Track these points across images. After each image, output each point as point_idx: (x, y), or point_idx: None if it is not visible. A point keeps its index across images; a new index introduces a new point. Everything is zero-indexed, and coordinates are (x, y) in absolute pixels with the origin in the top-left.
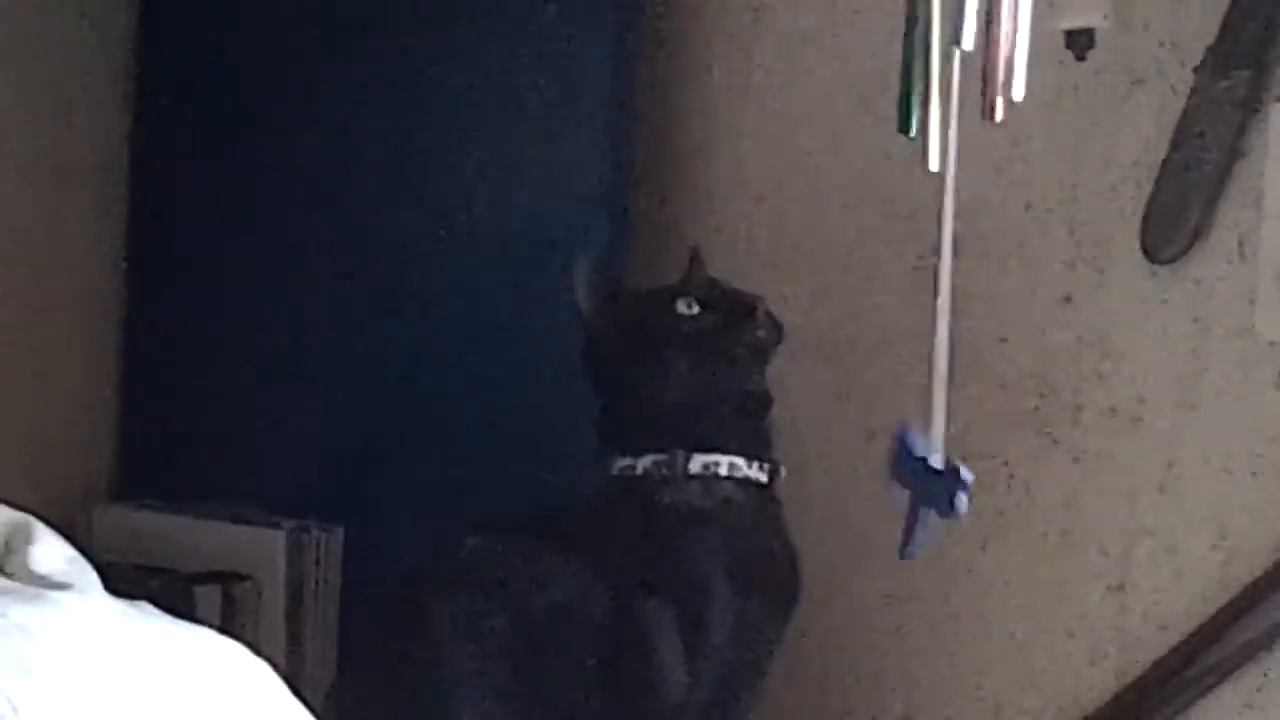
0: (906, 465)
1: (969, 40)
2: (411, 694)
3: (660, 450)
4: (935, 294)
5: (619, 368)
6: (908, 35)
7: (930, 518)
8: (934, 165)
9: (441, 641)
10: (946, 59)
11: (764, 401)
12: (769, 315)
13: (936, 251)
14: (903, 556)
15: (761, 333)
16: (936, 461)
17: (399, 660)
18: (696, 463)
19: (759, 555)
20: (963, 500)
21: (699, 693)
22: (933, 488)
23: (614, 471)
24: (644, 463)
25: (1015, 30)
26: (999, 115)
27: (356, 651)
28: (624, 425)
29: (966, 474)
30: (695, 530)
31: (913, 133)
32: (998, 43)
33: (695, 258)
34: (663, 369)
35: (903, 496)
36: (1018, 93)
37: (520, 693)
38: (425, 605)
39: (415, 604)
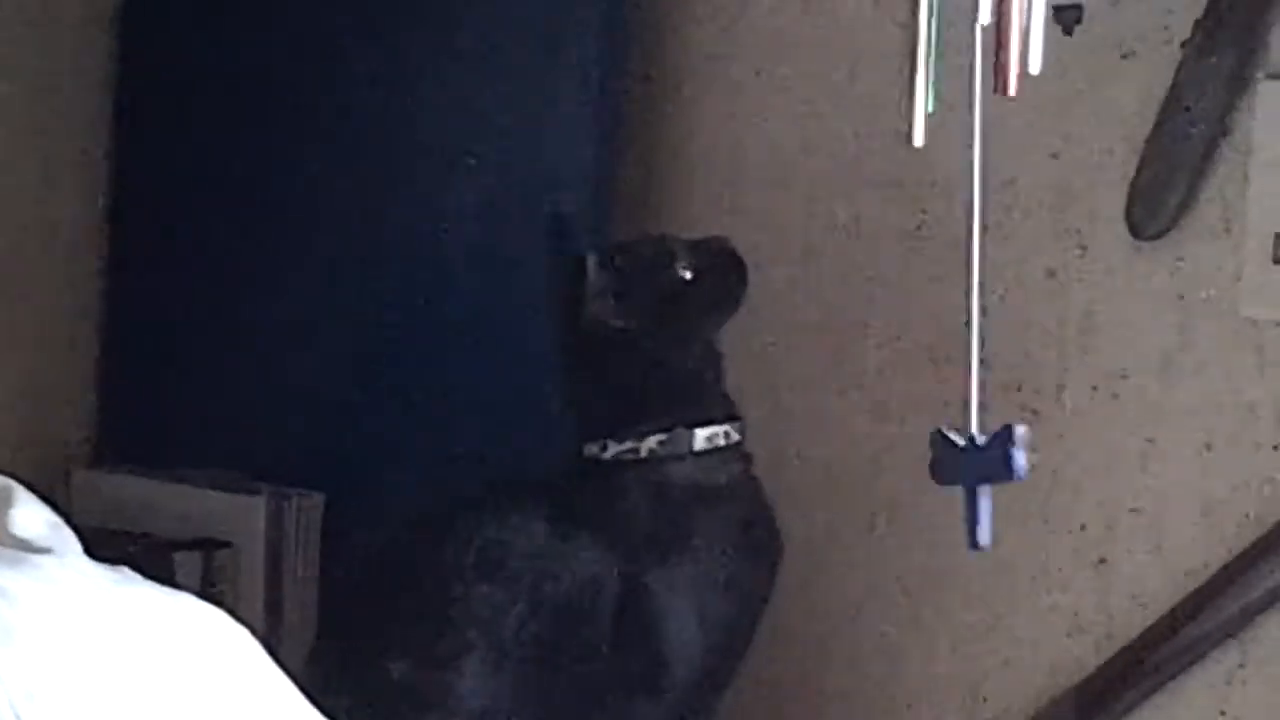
0: (950, 461)
1: (985, 14)
2: (420, 679)
3: (663, 430)
4: (968, 277)
5: (626, 348)
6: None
7: (988, 500)
8: (918, 141)
9: (460, 633)
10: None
11: (721, 361)
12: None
13: (966, 231)
14: (974, 547)
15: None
16: (979, 437)
17: (410, 646)
18: (700, 438)
19: (753, 520)
20: (1020, 458)
21: (700, 661)
22: (982, 462)
23: (608, 455)
24: (648, 444)
25: (1030, 4)
26: (1013, 89)
27: (356, 623)
28: (619, 408)
29: (1019, 430)
30: (705, 506)
31: (930, 108)
32: (1009, 16)
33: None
34: (676, 341)
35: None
36: (1034, 66)
37: (530, 680)
38: (443, 596)
39: (432, 593)
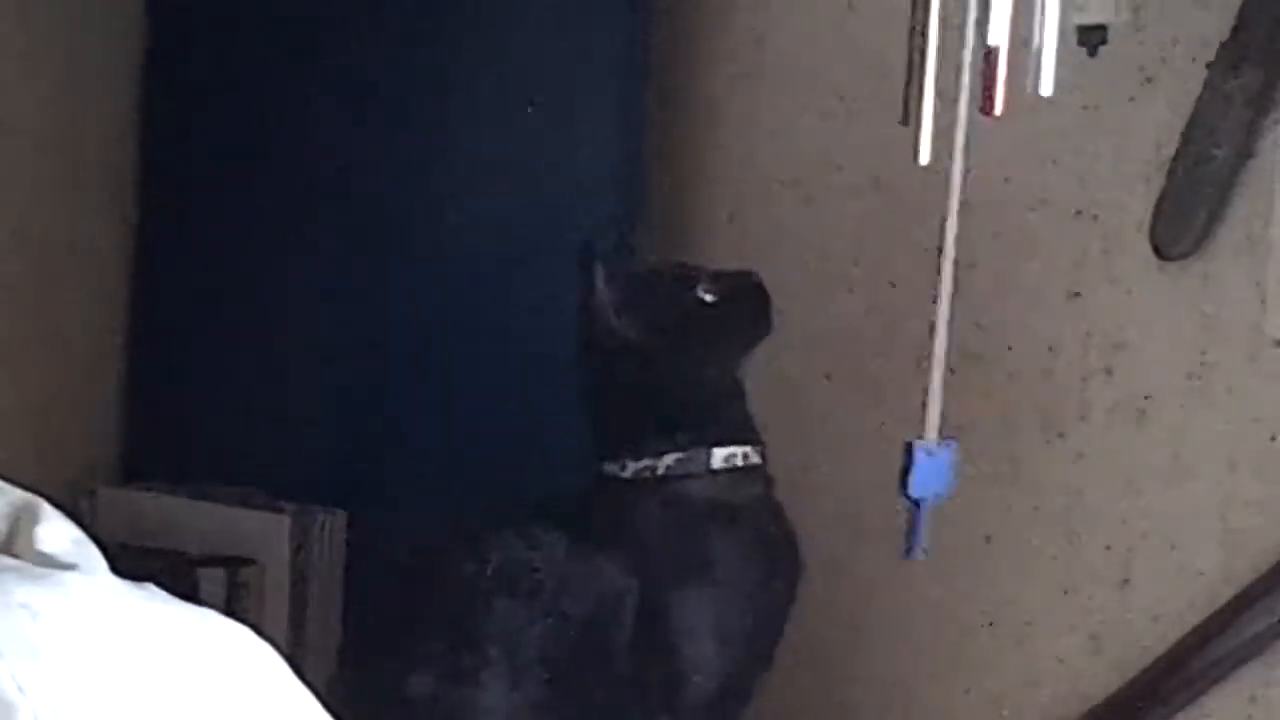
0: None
1: (998, 35)
2: (442, 694)
3: (680, 449)
4: (937, 285)
5: (641, 365)
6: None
7: (925, 514)
8: (924, 159)
9: (481, 648)
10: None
11: (743, 384)
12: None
13: (940, 241)
14: (909, 556)
15: (775, 316)
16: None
17: (432, 662)
18: (718, 457)
19: (772, 539)
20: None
21: (719, 678)
22: (930, 474)
23: (627, 474)
24: (665, 462)
25: (1043, 25)
26: (998, 109)
27: (379, 639)
28: (637, 426)
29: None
30: (723, 524)
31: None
32: (1000, 38)
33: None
34: (693, 362)
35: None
36: (1046, 88)
37: (550, 696)
38: (465, 611)
39: (454, 609)
